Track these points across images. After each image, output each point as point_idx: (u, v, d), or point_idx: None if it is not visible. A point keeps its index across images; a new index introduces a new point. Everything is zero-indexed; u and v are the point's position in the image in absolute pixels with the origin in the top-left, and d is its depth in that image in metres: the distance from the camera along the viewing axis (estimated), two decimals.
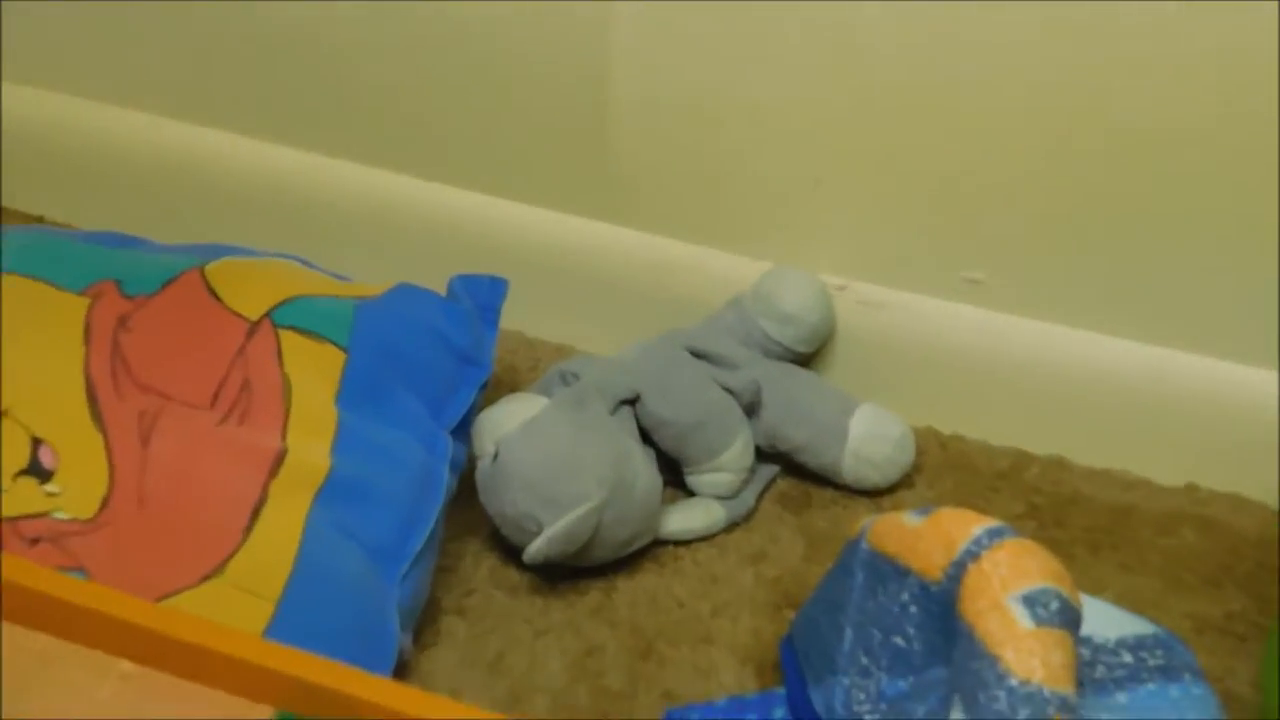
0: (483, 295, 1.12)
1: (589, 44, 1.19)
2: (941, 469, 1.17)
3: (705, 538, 1.11)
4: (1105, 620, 0.86)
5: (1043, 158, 1.10)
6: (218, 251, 1.08)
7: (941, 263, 1.18)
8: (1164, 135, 1.05)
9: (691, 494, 1.14)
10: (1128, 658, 0.85)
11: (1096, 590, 1.05)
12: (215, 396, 0.97)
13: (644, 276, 1.27)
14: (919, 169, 1.14)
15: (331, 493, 0.96)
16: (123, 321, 0.99)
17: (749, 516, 1.13)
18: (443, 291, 1.11)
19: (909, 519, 0.85)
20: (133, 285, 1.02)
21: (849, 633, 0.86)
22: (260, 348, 0.99)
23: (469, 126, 1.28)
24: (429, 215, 1.32)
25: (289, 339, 1.00)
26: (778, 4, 1.11)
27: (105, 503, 0.92)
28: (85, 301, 1.00)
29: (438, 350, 1.06)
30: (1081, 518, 1.12)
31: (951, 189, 1.14)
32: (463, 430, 1.08)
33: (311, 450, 0.97)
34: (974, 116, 1.10)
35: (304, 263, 1.12)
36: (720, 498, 1.12)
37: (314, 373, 0.99)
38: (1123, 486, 1.15)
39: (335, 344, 1.01)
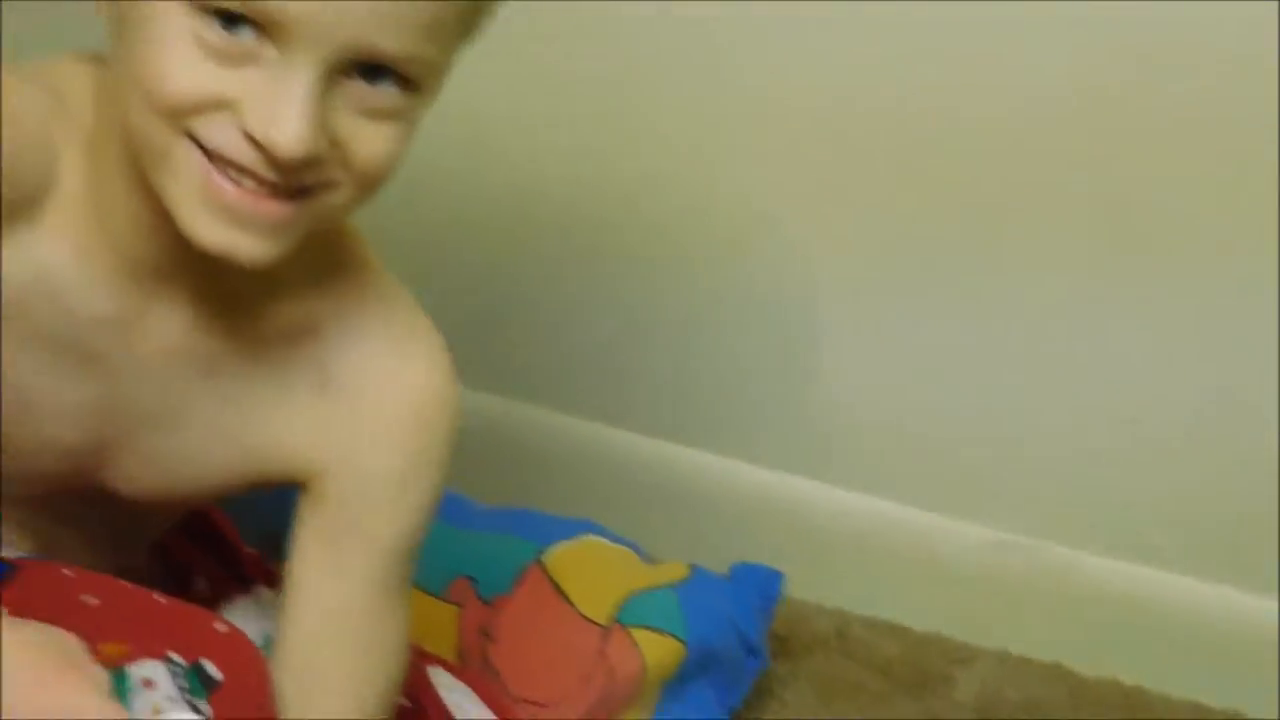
0: (761, 585, 1.36)
1: None
2: None
3: None
4: None
5: None
6: (542, 533, 1.31)
7: None
8: None
9: None
10: None
11: None
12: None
13: None
14: None
15: None
16: (485, 632, 1.23)
17: None
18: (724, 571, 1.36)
19: None
20: (486, 586, 1.25)
21: None
22: (618, 649, 1.23)
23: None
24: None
25: (641, 636, 1.24)
26: None
27: None
28: (452, 610, 1.24)
29: (731, 640, 1.31)
30: None
31: None
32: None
33: None
34: None
35: (598, 531, 1.35)
36: None
37: (660, 664, 1.24)
38: None
39: (676, 637, 1.25)
